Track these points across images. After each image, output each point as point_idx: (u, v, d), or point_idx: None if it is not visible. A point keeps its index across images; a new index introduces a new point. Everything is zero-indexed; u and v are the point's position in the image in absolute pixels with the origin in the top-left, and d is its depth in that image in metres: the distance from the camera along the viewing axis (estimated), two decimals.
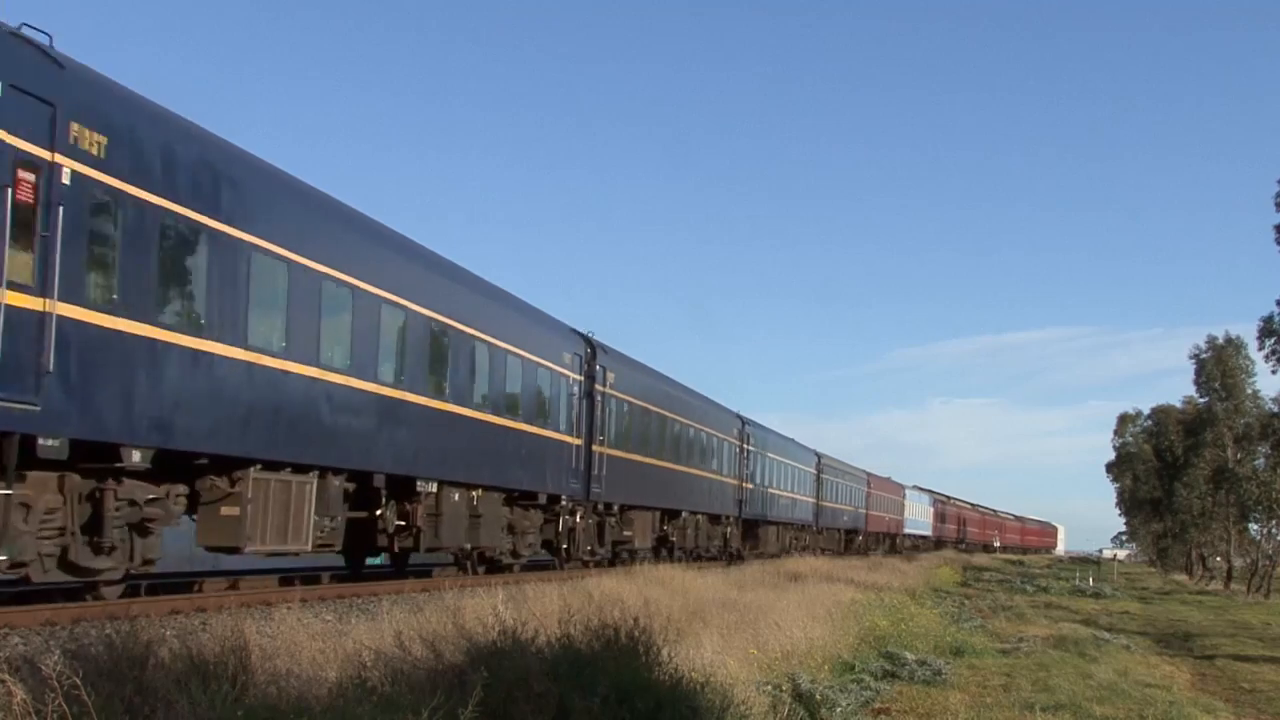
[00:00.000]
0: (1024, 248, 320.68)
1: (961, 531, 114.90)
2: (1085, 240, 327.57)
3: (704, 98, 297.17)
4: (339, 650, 9.36)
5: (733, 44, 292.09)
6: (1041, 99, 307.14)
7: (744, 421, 45.22)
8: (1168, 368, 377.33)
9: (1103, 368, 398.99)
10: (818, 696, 11.93)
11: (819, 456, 61.40)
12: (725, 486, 41.13)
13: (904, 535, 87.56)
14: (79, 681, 6.41)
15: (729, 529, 42.36)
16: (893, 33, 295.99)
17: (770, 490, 48.43)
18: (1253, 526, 59.14)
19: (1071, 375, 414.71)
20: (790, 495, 52.96)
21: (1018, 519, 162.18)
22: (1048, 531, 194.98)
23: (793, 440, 56.30)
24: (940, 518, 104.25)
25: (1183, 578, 75.45)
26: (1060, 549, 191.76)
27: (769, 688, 11.49)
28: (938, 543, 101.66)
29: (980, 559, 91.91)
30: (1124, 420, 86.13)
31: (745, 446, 44.44)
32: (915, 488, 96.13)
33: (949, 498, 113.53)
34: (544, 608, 12.71)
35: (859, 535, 72.06)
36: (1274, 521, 54.73)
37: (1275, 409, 53.73)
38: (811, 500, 58.68)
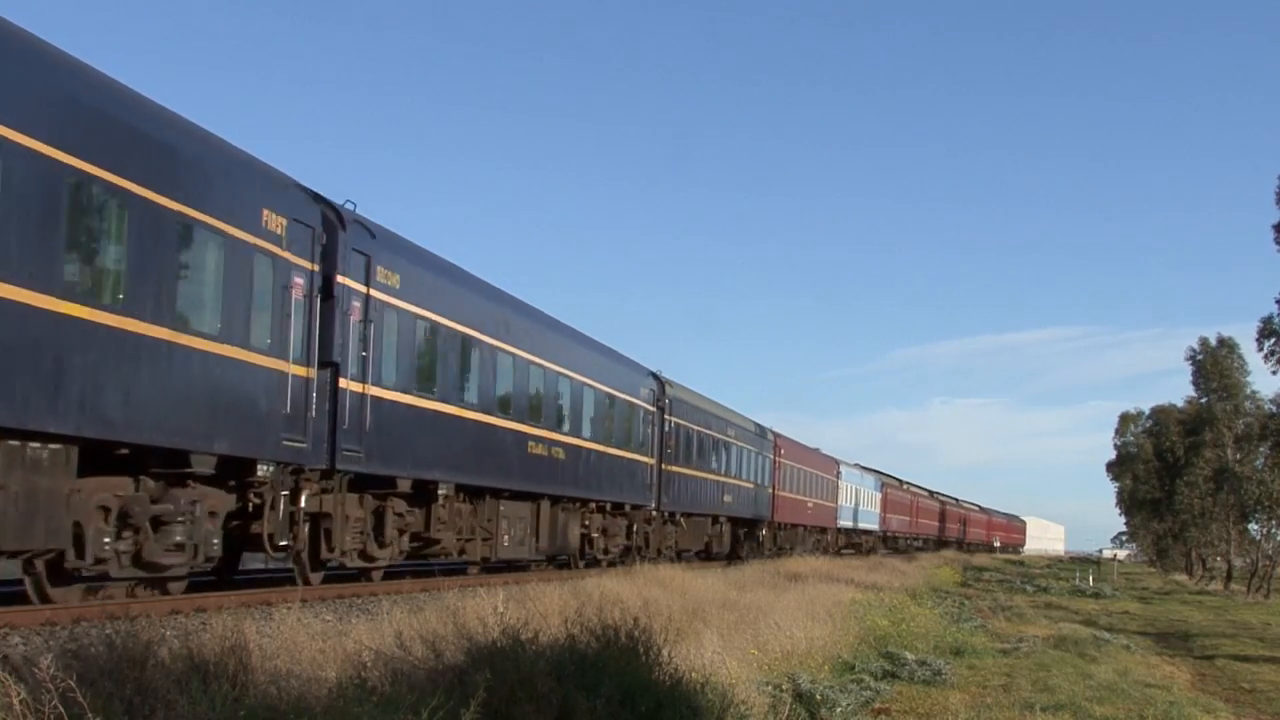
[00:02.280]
0: (1024, 248, 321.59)
1: (919, 525, 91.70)
2: (1086, 240, 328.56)
3: (705, 99, 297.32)
4: (339, 650, 9.35)
5: (734, 45, 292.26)
6: (1041, 99, 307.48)
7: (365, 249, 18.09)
8: (1168, 368, 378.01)
9: (1103, 368, 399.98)
10: (818, 696, 11.94)
11: (662, 384, 34.32)
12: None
13: (838, 529, 63.74)
14: (73, 684, 6.39)
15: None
16: (893, 34, 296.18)
17: (511, 426, 23.19)
18: (1253, 527, 59.17)
19: (1071, 375, 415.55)
20: (576, 444, 26.88)
21: (983, 511, 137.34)
22: (1015, 527, 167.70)
23: (597, 343, 30.01)
24: (891, 507, 79.14)
25: (1183, 578, 75.44)
26: (1029, 547, 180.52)
27: (769, 688, 11.50)
28: (885, 539, 78.13)
29: (975, 560, 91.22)
30: (1125, 420, 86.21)
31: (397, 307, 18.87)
32: (858, 466, 72.30)
33: (902, 481, 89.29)
34: (544, 607, 12.72)
35: (761, 527, 47.28)
36: (1274, 522, 54.73)
37: (1274, 409, 53.74)
38: (647, 461, 32.37)
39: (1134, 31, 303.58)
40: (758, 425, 48.18)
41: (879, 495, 75.55)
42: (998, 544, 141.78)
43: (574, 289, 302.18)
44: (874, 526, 73.79)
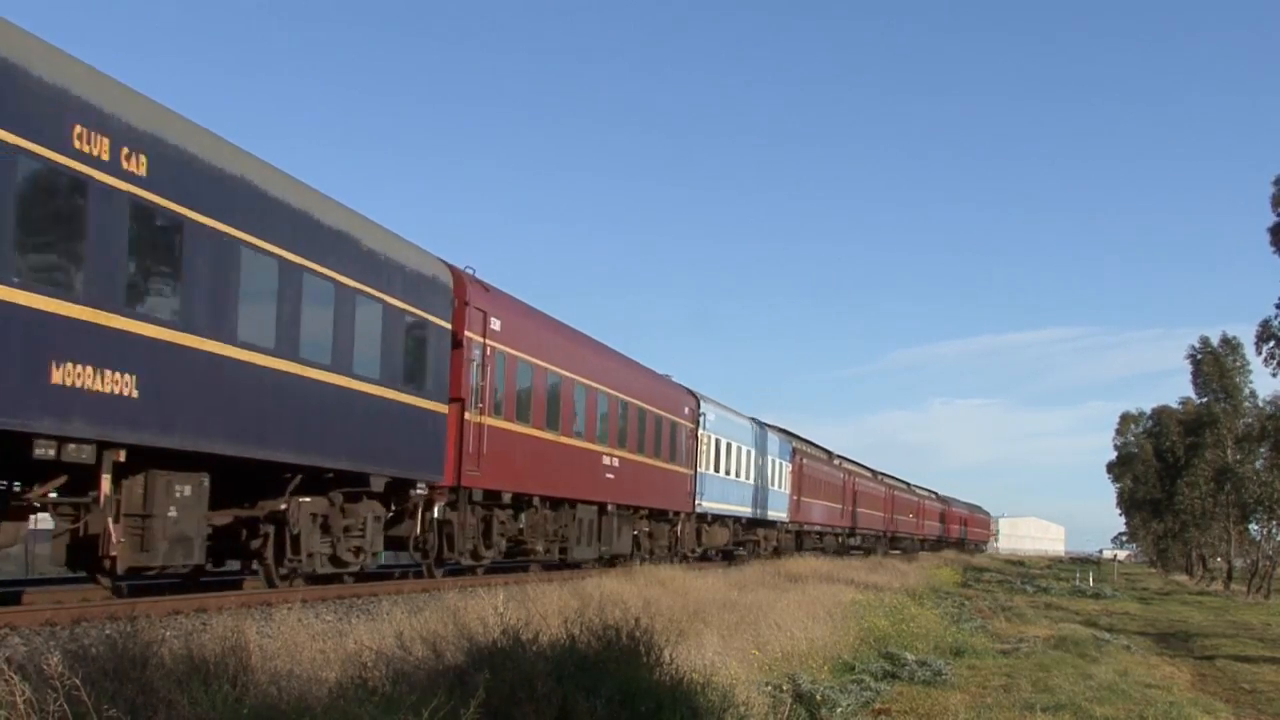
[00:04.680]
0: (1024, 248, 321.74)
1: (856, 514, 65.29)
2: (1085, 240, 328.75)
3: (706, 99, 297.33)
4: (340, 650, 9.36)
5: (734, 46, 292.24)
6: (1041, 100, 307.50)
7: None
8: (1168, 368, 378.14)
9: (1103, 368, 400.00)
10: (818, 697, 11.94)
11: None
12: None
13: (699, 515, 36.62)
14: (78, 682, 6.41)
15: None
16: (893, 34, 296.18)
17: None
18: (1253, 527, 59.21)
19: (1071, 375, 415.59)
20: None
21: (941, 499, 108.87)
22: (979, 520, 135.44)
23: None
24: (809, 487, 52.92)
25: (1183, 578, 75.48)
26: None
27: (769, 688, 11.50)
28: (801, 536, 52.43)
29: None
30: (1125, 420, 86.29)
31: None
32: (753, 420, 45.50)
33: (831, 454, 63.85)
34: (545, 608, 12.73)
35: (410, 498, 19.50)
36: (1274, 522, 54.76)
37: (1273, 410, 53.77)
38: None
39: (1134, 32, 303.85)
40: (387, 235, 19.15)
41: (787, 466, 48.92)
42: (999, 546, 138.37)
43: (573, 288, 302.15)
44: (780, 515, 47.85)
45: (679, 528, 35.35)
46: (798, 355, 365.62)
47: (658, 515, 33.52)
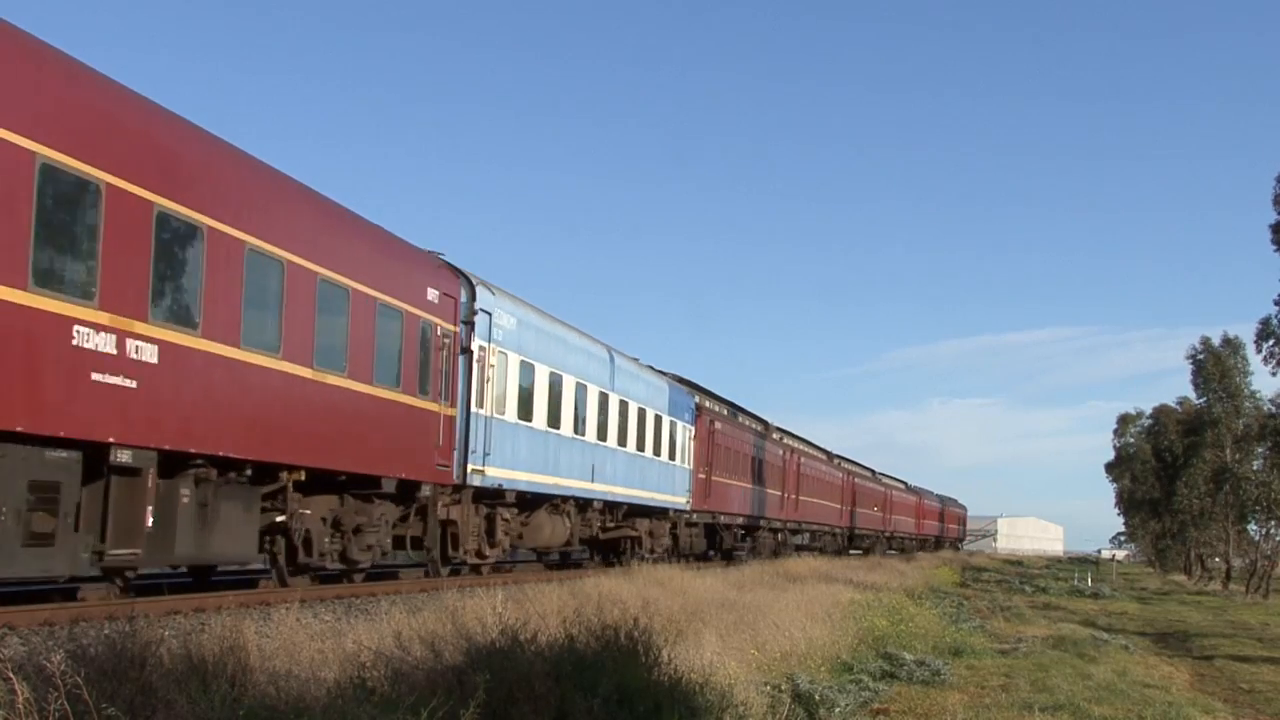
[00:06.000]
0: (1024, 248, 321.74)
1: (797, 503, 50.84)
2: (1085, 240, 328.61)
3: (704, 98, 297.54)
4: (338, 650, 9.37)
5: (732, 45, 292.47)
6: (1041, 99, 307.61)
7: None
8: (1168, 368, 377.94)
9: (1103, 368, 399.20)
10: (816, 697, 11.95)
11: None
12: None
13: (497, 494, 22.37)
14: (80, 681, 6.41)
15: None
16: (892, 33, 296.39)
17: None
18: (1251, 527, 59.22)
19: (1071, 375, 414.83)
20: None
21: (913, 490, 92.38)
22: (955, 515, 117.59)
23: None
24: (727, 462, 39.74)
25: (1181, 578, 75.51)
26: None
27: (768, 688, 11.51)
28: (714, 533, 38.79)
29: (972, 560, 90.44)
30: (1125, 420, 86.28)
31: None
32: (619, 352, 30.92)
33: (771, 425, 51.20)
34: (543, 608, 12.74)
35: None
36: (1272, 522, 54.80)
37: (1273, 409, 53.80)
38: None
39: (1134, 31, 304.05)
40: None
41: (688, 430, 36.09)
42: (997, 546, 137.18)
43: (572, 286, 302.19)
44: (679, 500, 34.77)
45: (430, 515, 20.37)
46: (795, 355, 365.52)
47: (358, 488, 18.03)
